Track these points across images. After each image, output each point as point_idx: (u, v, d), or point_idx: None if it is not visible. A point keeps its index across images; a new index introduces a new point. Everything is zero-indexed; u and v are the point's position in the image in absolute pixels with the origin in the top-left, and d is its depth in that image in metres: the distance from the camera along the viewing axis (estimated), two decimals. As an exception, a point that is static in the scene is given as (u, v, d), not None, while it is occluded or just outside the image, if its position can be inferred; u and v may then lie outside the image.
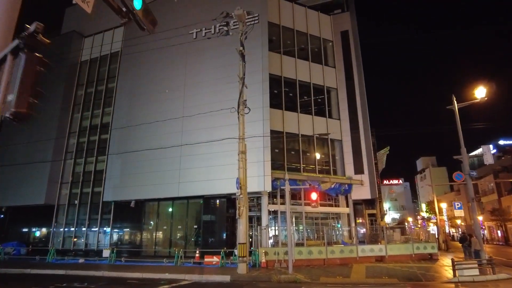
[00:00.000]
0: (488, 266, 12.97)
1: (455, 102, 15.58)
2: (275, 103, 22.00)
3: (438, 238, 26.80)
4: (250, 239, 18.88)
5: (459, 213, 22.83)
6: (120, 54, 26.84)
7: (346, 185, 22.83)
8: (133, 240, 23.90)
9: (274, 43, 23.37)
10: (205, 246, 19.65)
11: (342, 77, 25.55)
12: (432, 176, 55.75)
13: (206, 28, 22.44)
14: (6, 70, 2.91)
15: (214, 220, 21.14)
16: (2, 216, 27.27)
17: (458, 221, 50.80)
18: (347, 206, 23.62)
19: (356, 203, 24.47)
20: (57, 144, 26.05)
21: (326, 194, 22.65)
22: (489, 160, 16.61)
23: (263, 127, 19.64)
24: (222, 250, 16.54)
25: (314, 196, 16.13)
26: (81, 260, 19.54)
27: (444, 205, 43.28)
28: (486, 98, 14.63)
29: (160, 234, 22.75)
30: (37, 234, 27.29)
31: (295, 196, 21.75)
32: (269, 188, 19.05)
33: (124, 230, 24.55)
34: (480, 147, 18.03)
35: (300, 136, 22.58)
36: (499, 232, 41.91)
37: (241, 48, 15.18)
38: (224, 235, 20.39)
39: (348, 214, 23.51)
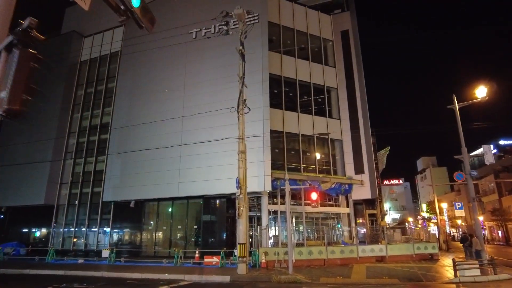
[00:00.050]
0: (489, 266, 12.88)
1: (456, 101, 15.52)
2: (275, 103, 21.95)
3: (438, 238, 26.71)
4: (250, 239, 18.83)
5: (459, 213, 22.73)
6: (120, 54, 26.80)
7: (347, 185, 22.77)
8: (133, 240, 23.85)
9: (274, 42, 23.32)
10: (205, 246, 19.59)
11: (342, 76, 25.50)
12: (432, 176, 55.59)
13: (206, 28, 22.42)
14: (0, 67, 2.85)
15: (214, 220, 21.08)
16: (2, 216, 27.22)
17: (459, 221, 50.70)
18: (348, 206, 23.56)
19: (357, 203, 24.41)
20: (57, 144, 26.02)
21: (326, 194, 22.59)
22: (490, 160, 16.49)
23: (263, 127, 19.59)
24: (222, 250, 16.48)
25: (314, 196, 16.06)
26: (80, 261, 19.48)
27: (444, 205, 43.21)
28: (487, 98, 14.55)
29: (160, 234, 22.69)
30: (37, 234, 27.25)
31: (295, 196, 21.70)
32: (269, 188, 18.99)
33: (124, 230, 24.50)
34: (481, 147, 17.97)
35: (300, 136, 22.53)
36: (499, 232, 41.82)
37: (241, 47, 15.13)
38: (224, 235, 20.33)
39: (348, 214, 23.45)
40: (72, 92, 28.12)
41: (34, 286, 12.41)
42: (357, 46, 25.88)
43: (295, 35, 24.50)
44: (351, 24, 26.31)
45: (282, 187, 18.72)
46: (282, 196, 19.89)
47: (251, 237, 19.23)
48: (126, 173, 22.55)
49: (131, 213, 22.63)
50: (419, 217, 67.37)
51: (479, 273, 12.32)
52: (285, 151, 21.59)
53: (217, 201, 21.11)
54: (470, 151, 18.76)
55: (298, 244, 19.05)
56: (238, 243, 14.01)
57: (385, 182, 65.61)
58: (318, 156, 22.84)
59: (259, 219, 20.00)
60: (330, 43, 26.14)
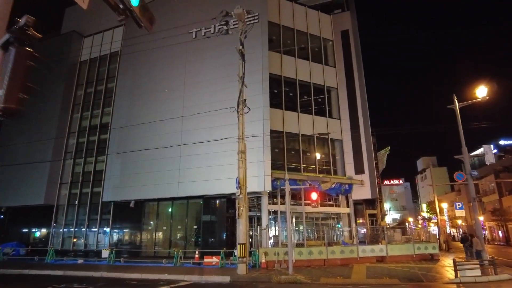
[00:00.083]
0: (490, 266, 12.84)
1: (456, 101, 15.48)
2: (275, 102, 21.92)
3: (439, 239, 26.67)
4: (250, 240, 18.80)
5: (460, 213, 22.67)
6: (119, 54, 26.78)
7: (347, 185, 22.73)
8: (133, 240, 23.81)
9: (274, 42, 23.29)
10: (205, 246, 19.56)
11: (342, 76, 25.46)
12: (432, 176, 55.49)
13: (206, 28, 22.40)
14: (-4, 65, 2.82)
15: (214, 221, 21.04)
16: (1, 216, 27.19)
17: (459, 221, 50.65)
18: (348, 206, 23.52)
19: (357, 203, 24.37)
20: (56, 144, 26.00)
21: (326, 194, 22.56)
22: (490, 159, 16.45)
23: (263, 126, 19.56)
24: (221, 250, 16.44)
25: (314, 196, 16.02)
26: (80, 261, 19.44)
27: (445, 205, 43.18)
28: (487, 97, 14.52)
29: (159, 235, 22.66)
30: (37, 234, 27.22)
31: (295, 196, 21.66)
32: (269, 188, 18.96)
33: (124, 230, 24.47)
34: (481, 147, 17.95)
35: (300, 136, 22.49)
36: (500, 232, 41.78)
37: (240, 47, 15.10)
38: (224, 235, 20.29)
39: (348, 214, 23.41)
40: (72, 92, 28.10)
41: (34, 286, 12.38)
42: (357, 46, 25.85)
43: (295, 35, 24.47)
44: (351, 24, 26.27)
45: (282, 187, 18.69)
46: (282, 196, 19.86)
47: (251, 237, 19.20)
48: (126, 173, 22.52)
49: (131, 213, 22.60)
50: (419, 217, 67.34)
51: (479, 274, 12.29)
52: (285, 151, 21.55)
53: (217, 201, 21.07)
54: (470, 151, 18.71)
55: (298, 244, 19.00)
56: (238, 243, 13.98)
57: (385, 182, 65.55)
58: (318, 156, 22.80)
59: (259, 219, 19.96)
60: (330, 43, 26.11)
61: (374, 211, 25.39)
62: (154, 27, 5.72)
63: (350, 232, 22.87)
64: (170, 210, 22.39)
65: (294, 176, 20.15)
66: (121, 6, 4.98)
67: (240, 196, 13.90)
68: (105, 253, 19.45)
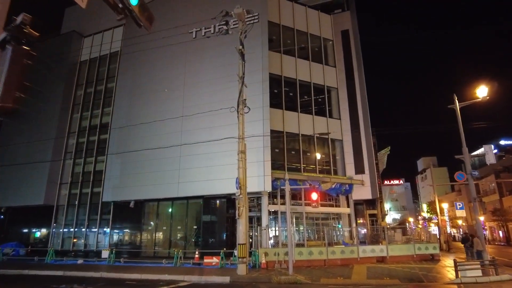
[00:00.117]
0: (490, 267, 12.80)
1: (457, 101, 15.44)
2: (275, 102, 21.88)
3: (439, 239, 26.61)
4: (250, 240, 18.76)
5: (460, 213, 22.61)
6: (119, 53, 26.77)
7: (347, 185, 22.69)
8: (133, 240, 23.78)
9: (274, 42, 23.26)
10: (205, 246, 19.52)
11: (342, 76, 25.43)
12: (433, 176, 55.35)
13: (206, 27, 22.38)
14: (-7, 64, 2.79)
15: (214, 221, 21.01)
16: (1, 216, 27.16)
17: (460, 222, 50.58)
18: (348, 206, 23.49)
19: (357, 203, 24.34)
20: (56, 144, 25.98)
21: (326, 194, 22.52)
22: (491, 159, 16.40)
23: (263, 126, 19.52)
24: (221, 250, 16.41)
25: (314, 196, 15.98)
26: (80, 261, 19.40)
27: (445, 205, 43.10)
28: (488, 97, 14.48)
29: (159, 235, 22.62)
30: (37, 234, 27.19)
31: (295, 196, 21.62)
32: (269, 188, 18.93)
33: (124, 230, 24.43)
34: (482, 147, 17.92)
35: (300, 135, 22.46)
36: (500, 232, 41.71)
37: (240, 47, 15.07)
38: (224, 235, 20.26)
39: (349, 215, 23.37)
40: (72, 92, 28.09)
41: (33, 286, 12.35)
42: (357, 45, 25.82)
43: (295, 34, 24.43)
44: (351, 23, 26.24)
45: (282, 187, 18.65)
46: (282, 196, 19.82)
47: (251, 238, 19.17)
48: (125, 173, 22.49)
49: (130, 213, 22.57)
50: (419, 217, 67.25)
51: (480, 274, 12.25)
52: (285, 151, 21.52)
53: (217, 201, 21.04)
54: (470, 151, 18.68)
55: (299, 245, 18.96)
56: (238, 244, 13.94)
57: (386, 182, 65.44)
58: (318, 156, 22.77)
59: (259, 219, 19.93)
60: (330, 42, 26.07)
61: (375, 211, 25.35)
62: (153, 26, 5.70)
63: (351, 232, 22.82)
64: (170, 210, 22.36)
65: (294, 176, 20.12)
66: (120, 5, 4.95)
67: (240, 196, 13.87)
68: (105, 254, 19.42)
